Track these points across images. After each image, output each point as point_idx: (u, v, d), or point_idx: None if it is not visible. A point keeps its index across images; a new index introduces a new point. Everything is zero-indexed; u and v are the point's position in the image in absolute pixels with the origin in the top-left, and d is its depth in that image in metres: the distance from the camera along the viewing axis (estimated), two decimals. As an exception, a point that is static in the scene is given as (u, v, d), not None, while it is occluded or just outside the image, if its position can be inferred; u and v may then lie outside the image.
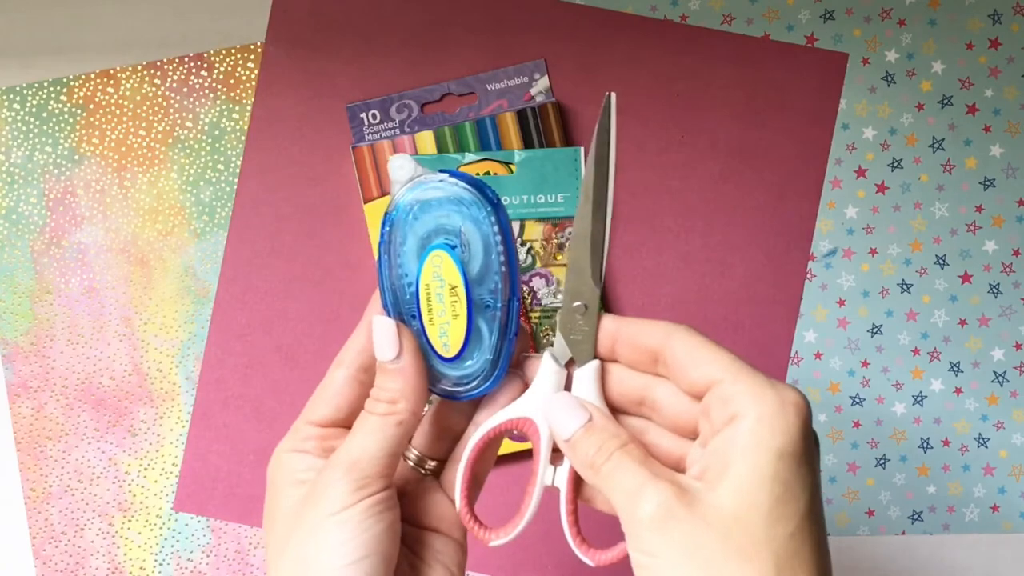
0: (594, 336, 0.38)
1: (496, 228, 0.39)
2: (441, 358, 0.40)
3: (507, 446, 0.62)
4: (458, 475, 0.40)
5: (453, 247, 0.40)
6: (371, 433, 0.37)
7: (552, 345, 0.39)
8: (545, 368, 0.39)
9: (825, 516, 0.35)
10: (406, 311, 0.40)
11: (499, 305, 0.40)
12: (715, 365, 0.34)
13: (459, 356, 0.40)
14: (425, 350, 0.39)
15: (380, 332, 0.37)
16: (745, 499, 0.32)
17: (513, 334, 0.40)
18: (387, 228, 0.40)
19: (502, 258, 0.39)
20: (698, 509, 0.33)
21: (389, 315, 0.39)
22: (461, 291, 0.39)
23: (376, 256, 0.41)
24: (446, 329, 0.40)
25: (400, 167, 0.40)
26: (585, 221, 0.38)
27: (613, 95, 0.37)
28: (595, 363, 0.38)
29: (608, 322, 0.38)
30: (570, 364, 0.39)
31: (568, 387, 0.39)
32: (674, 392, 0.37)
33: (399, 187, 0.40)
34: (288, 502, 0.37)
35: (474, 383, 0.40)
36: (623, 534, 0.35)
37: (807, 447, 0.33)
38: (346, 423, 0.38)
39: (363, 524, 0.36)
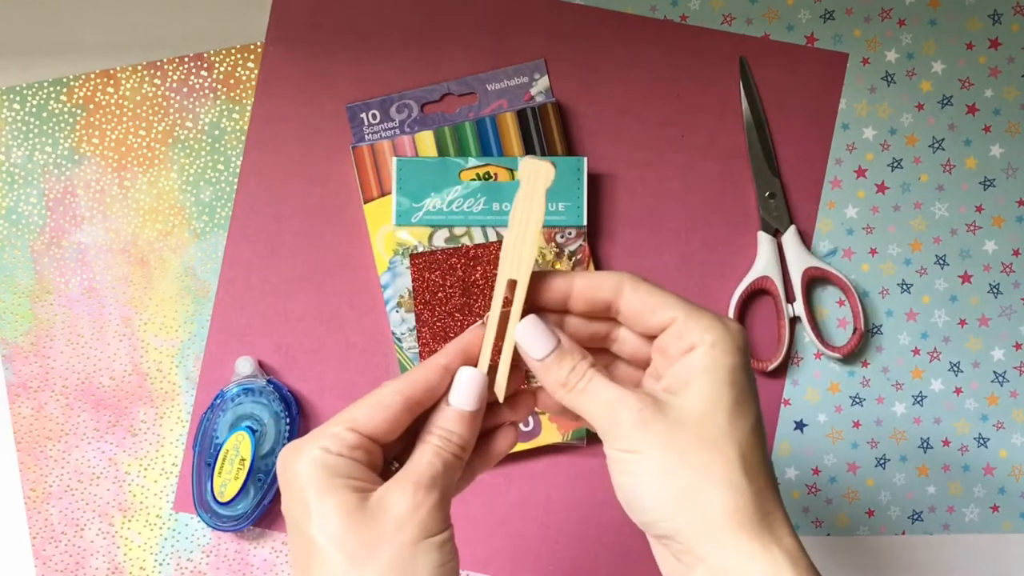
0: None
1: (287, 423, 0.61)
2: (216, 500, 0.60)
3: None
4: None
5: (254, 431, 0.60)
6: (452, 469, 0.40)
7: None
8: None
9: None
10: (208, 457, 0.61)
11: (269, 479, 0.61)
12: (668, 308, 0.39)
13: (230, 503, 0.60)
14: (208, 492, 0.60)
15: (472, 384, 0.40)
16: (709, 399, 0.38)
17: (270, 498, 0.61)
18: (218, 400, 0.61)
19: (283, 444, 0.55)
20: (670, 412, 0.38)
21: (195, 452, 0.60)
22: (247, 464, 0.59)
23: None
24: (227, 482, 0.60)
25: (244, 364, 0.61)
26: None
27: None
28: (531, 316, 0.40)
29: (560, 282, 0.41)
30: None
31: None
32: (628, 333, 0.42)
33: (238, 377, 0.61)
34: (349, 513, 0.37)
35: (236, 521, 0.61)
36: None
37: (749, 362, 0.40)
38: (385, 442, 0.40)
39: (453, 550, 0.38)
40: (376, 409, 0.39)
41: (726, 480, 0.37)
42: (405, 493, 0.38)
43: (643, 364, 0.42)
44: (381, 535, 0.37)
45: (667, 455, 0.37)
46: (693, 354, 0.38)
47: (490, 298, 0.45)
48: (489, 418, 0.42)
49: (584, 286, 0.41)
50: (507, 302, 0.40)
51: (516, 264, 0.40)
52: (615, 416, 0.38)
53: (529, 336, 0.40)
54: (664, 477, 0.37)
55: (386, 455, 0.41)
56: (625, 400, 0.38)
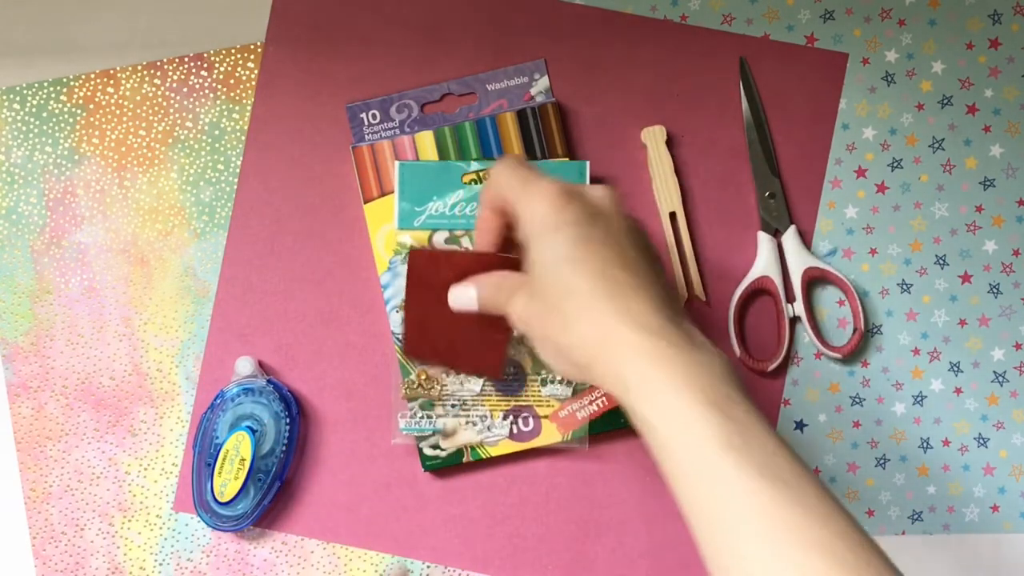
0: None
1: (287, 423, 0.61)
2: (216, 500, 0.60)
3: (507, 446, 0.62)
4: None
5: (254, 431, 0.60)
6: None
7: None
8: None
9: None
10: (208, 458, 0.61)
11: (269, 479, 0.61)
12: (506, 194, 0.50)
13: (230, 503, 0.60)
14: (208, 492, 0.61)
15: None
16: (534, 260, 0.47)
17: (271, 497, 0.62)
18: (218, 400, 0.61)
19: (283, 445, 0.61)
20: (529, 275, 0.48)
21: (195, 452, 0.62)
22: (247, 464, 0.60)
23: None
24: (227, 482, 0.60)
25: (244, 364, 0.62)
26: None
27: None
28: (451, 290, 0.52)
29: (483, 221, 0.52)
30: None
31: None
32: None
33: (237, 377, 0.62)
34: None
35: (236, 521, 0.61)
36: None
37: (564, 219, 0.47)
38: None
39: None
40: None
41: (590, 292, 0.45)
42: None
43: None
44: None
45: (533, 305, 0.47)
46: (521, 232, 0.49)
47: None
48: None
49: (484, 203, 0.52)
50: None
51: None
52: (507, 301, 0.49)
53: (458, 298, 0.51)
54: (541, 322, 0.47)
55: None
56: (513, 293, 0.49)
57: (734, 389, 0.43)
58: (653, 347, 0.43)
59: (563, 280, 0.45)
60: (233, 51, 0.64)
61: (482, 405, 0.61)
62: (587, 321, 0.44)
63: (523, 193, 0.48)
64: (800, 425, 0.64)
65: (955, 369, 0.65)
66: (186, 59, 0.64)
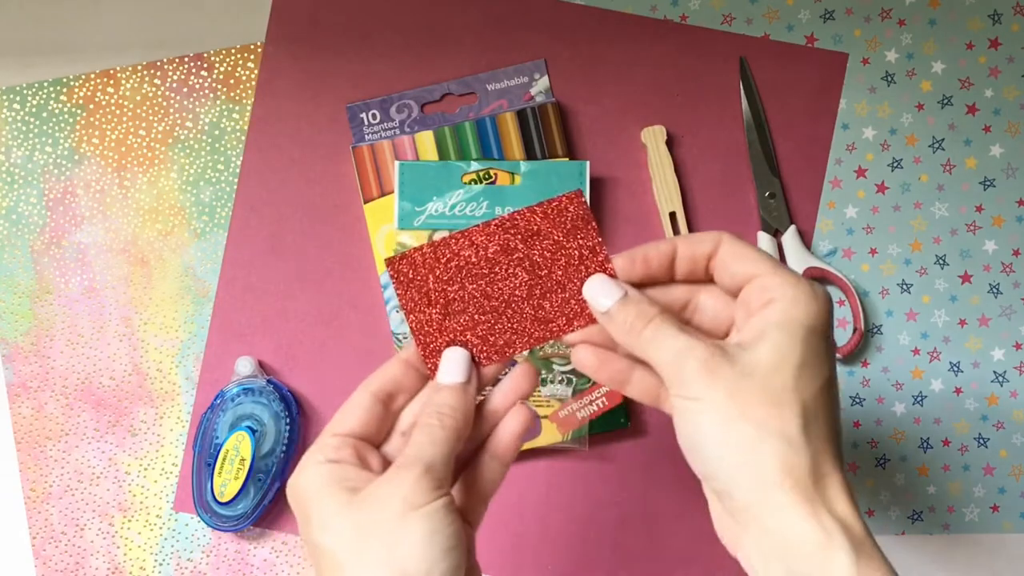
0: None
1: (287, 423, 0.61)
2: (216, 500, 0.60)
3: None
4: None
5: (254, 431, 0.60)
6: (439, 442, 0.40)
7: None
8: None
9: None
10: (208, 458, 0.61)
11: (269, 479, 0.61)
12: (757, 263, 0.41)
13: (230, 503, 0.60)
14: (208, 492, 0.60)
15: (456, 360, 0.43)
16: (779, 354, 0.38)
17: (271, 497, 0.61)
18: (218, 400, 0.61)
19: (283, 445, 0.61)
20: (738, 364, 0.38)
21: (195, 452, 0.61)
22: (247, 464, 0.60)
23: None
24: (227, 482, 0.60)
25: (244, 364, 0.61)
26: None
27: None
28: (599, 274, 0.42)
29: (664, 244, 0.43)
30: None
31: None
32: (714, 297, 0.42)
33: (237, 377, 0.61)
34: (342, 509, 0.39)
35: (236, 521, 0.61)
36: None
37: (829, 328, 0.40)
38: (370, 438, 0.42)
39: (446, 518, 0.38)
40: (349, 410, 0.42)
41: (783, 436, 0.37)
42: (387, 475, 0.39)
43: (721, 334, 0.42)
44: (369, 519, 0.38)
45: (730, 405, 0.38)
46: (770, 308, 0.39)
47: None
48: (498, 399, 0.44)
49: (687, 242, 0.42)
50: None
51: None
52: (681, 363, 0.39)
53: (596, 289, 0.41)
54: (725, 427, 0.38)
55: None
56: (692, 347, 0.39)
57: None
58: (841, 555, 0.37)
59: (773, 389, 0.38)
60: (233, 51, 0.64)
61: (482, 405, 0.61)
62: (773, 484, 0.37)
63: (789, 275, 0.40)
64: (800, 425, 0.64)
65: (955, 369, 0.65)
66: (186, 59, 0.64)
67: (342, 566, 0.38)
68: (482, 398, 0.44)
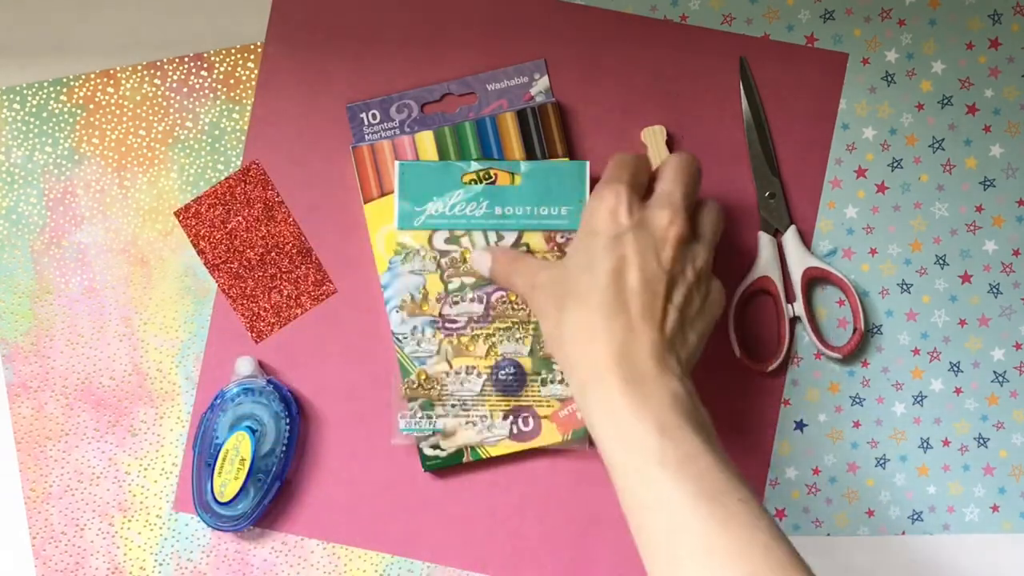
0: None
1: (287, 423, 0.61)
2: (216, 500, 0.60)
3: (507, 446, 0.62)
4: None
5: (254, 431, 0.60)
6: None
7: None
8: None
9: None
10: (208, 458, 0.61)
11: (269, 479, 0.61)
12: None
13: (230, 503, 0.61)
14: (208, 492, 0.61)
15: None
16: (573, 260, 0.54)
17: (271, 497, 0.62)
18: (218, 400, 0.61)
19: (283, 445, 0.61)
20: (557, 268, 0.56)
21: (195, 452, 0.61)
22: (247, 464, 0.60)
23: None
24: (227, 482, 0.60)
25: (244, 364, 0.62)
26: None
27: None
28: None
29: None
30: None
31: None
32: None
33: (237, 377, 0.62)
34: None
35: (236, 521, 0.61)
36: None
37: (608, 229, 0.53)
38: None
39: None
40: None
41: (591, 327, 0.51)
42: None
43: None
44: None
45: (559, 294, 0.54)
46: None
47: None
48: None
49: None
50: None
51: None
52: (533, 278, 0.56)
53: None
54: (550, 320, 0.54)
55: None
56: (540, 269, 0.56)
57: (681, 416, 0.48)
58: (625, 376, 0.49)
59: (588, 284, 0.52)
60: (233, 51, 0.64)
61: (482, 405, 0.61)
62: (585, 334, 0.52)
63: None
64: (800, 425, 0.64)
65: (955, 369, 0.65)
66: (186, 59, 0.64)
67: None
68: None
